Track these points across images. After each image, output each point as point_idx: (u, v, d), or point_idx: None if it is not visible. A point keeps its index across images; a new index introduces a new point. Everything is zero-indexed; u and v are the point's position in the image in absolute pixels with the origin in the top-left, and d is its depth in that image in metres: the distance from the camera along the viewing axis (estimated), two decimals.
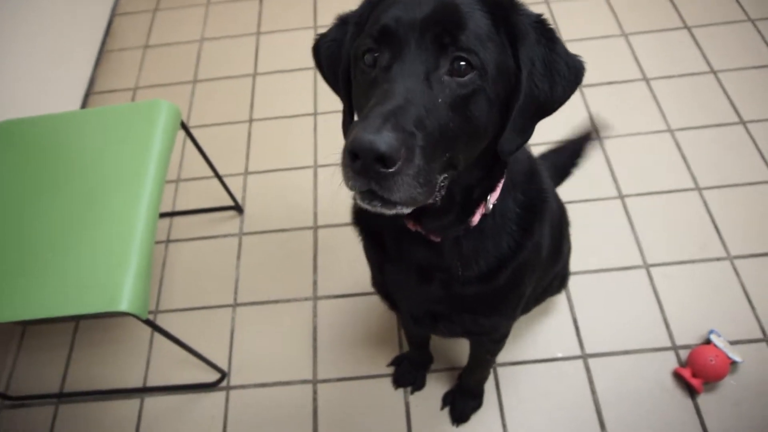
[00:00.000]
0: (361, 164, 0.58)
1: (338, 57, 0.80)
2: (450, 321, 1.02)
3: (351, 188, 0.62)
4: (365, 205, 0.64)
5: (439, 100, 0.65)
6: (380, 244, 0.95)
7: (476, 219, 0.83)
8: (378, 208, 0.63)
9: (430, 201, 0.68)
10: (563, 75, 0.73)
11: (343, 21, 0.81)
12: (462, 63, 0.66)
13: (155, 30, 2.39)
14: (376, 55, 0.69)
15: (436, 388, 1.46)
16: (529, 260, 0.94)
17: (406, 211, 0.66)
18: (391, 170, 0.58)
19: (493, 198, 0.83)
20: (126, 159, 1.26)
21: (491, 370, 1.45)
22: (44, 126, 1.36)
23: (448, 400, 1.44)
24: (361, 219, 0.98)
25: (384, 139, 0.57)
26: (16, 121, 1.38)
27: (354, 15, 0.79)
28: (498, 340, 1.17)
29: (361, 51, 0.71)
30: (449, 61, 0.67)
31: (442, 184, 0.69)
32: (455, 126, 0.66)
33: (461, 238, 0.86)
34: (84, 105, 2.13)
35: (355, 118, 0.79)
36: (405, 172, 0.60)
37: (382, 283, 1.06)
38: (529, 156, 0.95)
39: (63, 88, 2.04)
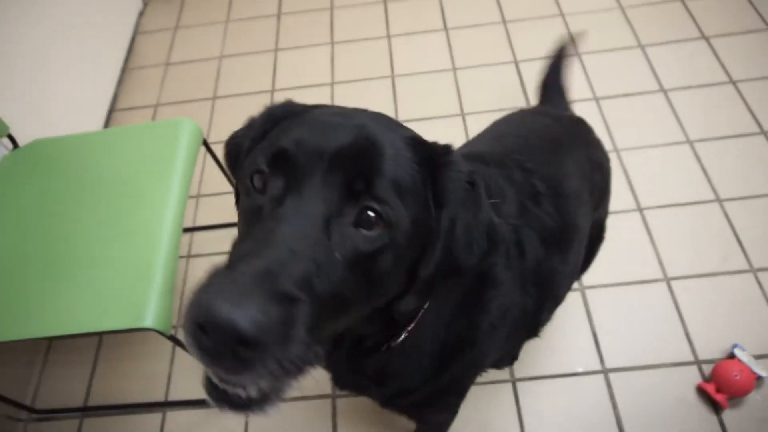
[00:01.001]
0: (208, 342, 0.43)
1: (238, 159, 0.69)
2: (395, 407, 0.95)
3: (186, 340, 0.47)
4: (209, 398, 0.52)
5: (336, 255, 0.53)
6: None
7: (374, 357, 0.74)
8: (225, 408, 0.51)
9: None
10: (480, 245, 0.64)
11: (250, 124, 0.72)
12: (372, 214, 0.55)
13: (176, 48, 2.44)
14: (265, 179, 0.57)
15: None
16: (470, 368, 0.88)
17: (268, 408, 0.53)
18: (252, 355, 0.43)
19: (397, 338, 0.73)
20: (150, 176, 1.29)
21: (510, 385, 1.45)
22: (72, 145, 1.40)
23: None
24: None
25: (248, 316, 0.42)
26: (45, 141, 1.42)
27: (258, 120, 0.69)
28: (441, 424, 1.12)
29: (251, 170, 0.58)
30: (357, 210, 0.55)
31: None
32: (351, 287, 0.54)
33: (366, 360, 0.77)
34: (107, 122, 2.18)
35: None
36: (275, 355, 0.45)
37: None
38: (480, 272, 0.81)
39: (87, 106, 2.09)
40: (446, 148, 0.65)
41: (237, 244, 0.57)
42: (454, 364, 0.82)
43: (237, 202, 0.72)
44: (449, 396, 0.95)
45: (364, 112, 0.66)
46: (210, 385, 0.54)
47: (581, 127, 1.21)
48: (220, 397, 0.52)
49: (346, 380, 0.92)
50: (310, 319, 0.48)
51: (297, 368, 0.48)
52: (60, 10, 1.97)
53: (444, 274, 0.64)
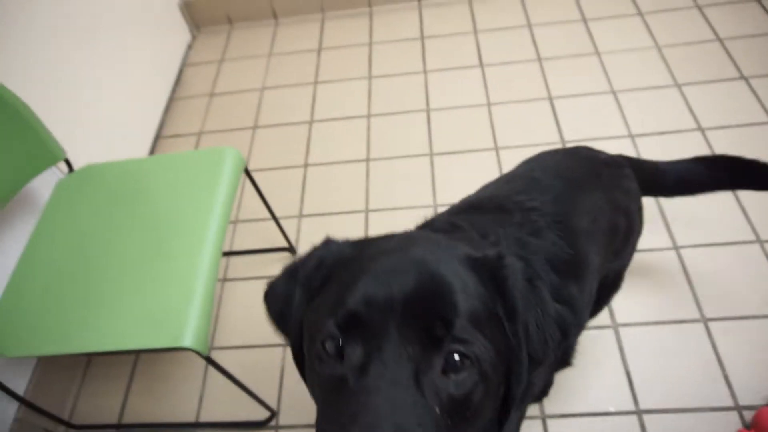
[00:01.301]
0: None
1: (288, 315, 0.67)
2: None
3: None
4: None
5: (436, 410, 0.52)
6: None
7: None
8: None
9: None
10: (554, 337, 0.64)
11: (291, 273, 0.70)
12: (458, 357, 0.54)
13: (221, 79, 2.55)
14: (340, 344, 0.55)
15: None
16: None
17: None
18: None
19: None
20: (193, 202, 1.35)
21: (540, 422, 1.42)
22: (121, 170, 1.48)
23: None
24: None
25: None
26: (97, 166, 1.50)
27: (302, 271, 0.67)
28: None
29: (321, 338, 0.56)
30: (443, 356, 0.53)
31: None
32: (459, 423, 0.54)
33: None
34: (153, 148, 2.29)
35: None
36: None
37: None
38: None
39: (136, 133, 2.20)
40: (500, 257, 0.63)
41: (329, 420, 0.56)
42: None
43: (295, 357, 0.69)
44: None
45: (416, 240, 0.65)
46: None
47: (612, 170, 1.16)
48: None
49: None
50: None
51: None
52: (115, 42, 2.10)
53: (529, 375, 0.63)
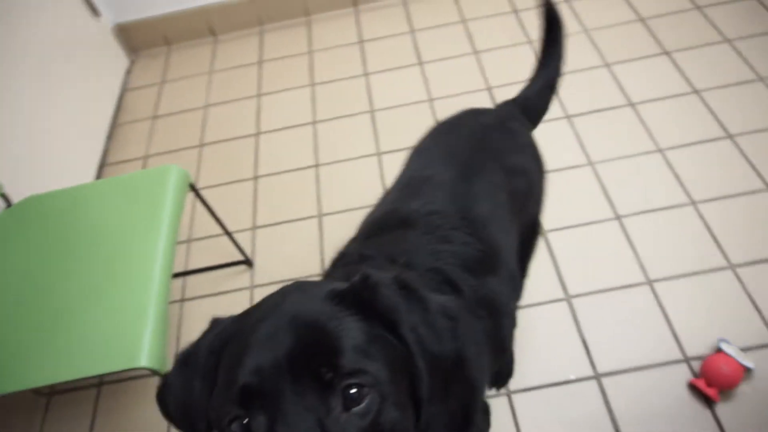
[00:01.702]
0: None
1: (192, 408, 0.66)
2: None
3: None
4: None
5: None
6: None
7: None
8: None
9: None
10: (445, 328, 0.66)
11: (184, 363, 0.69)
12: (354, 390, 0.56)
13: (163, 101, 2.54)
14: (246, 421, 0.56)
15: None
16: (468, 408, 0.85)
17: None
18: None
19: None
20: (139, 223, 1.35)
21: (506, 398, 1.47)
22: (63, 199, 1.46)
23: None
24: None
25: None
26: (38, 197, 1.48)
27: (196, 360, 0.67)
28: None
29: (226, 421, 0.57)
30: (340, 395, 0.56)
31: None
32: None
33: None
34: (98, 176, 2.25)
35: None
36: None
37: None
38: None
39: (79, 162, 2.17)
40: (364, 279, 0.66)
41: None
42: (470, 425, 0.83)
43: None
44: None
45: (285, 297, 0.66)
46: None
47: (499, 132, 1.16)
48: None
49: None
50: None
51: None
52: (49, 73, 2.07)
53: (442, 374, 0.65)
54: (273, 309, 0.64)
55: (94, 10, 2.48)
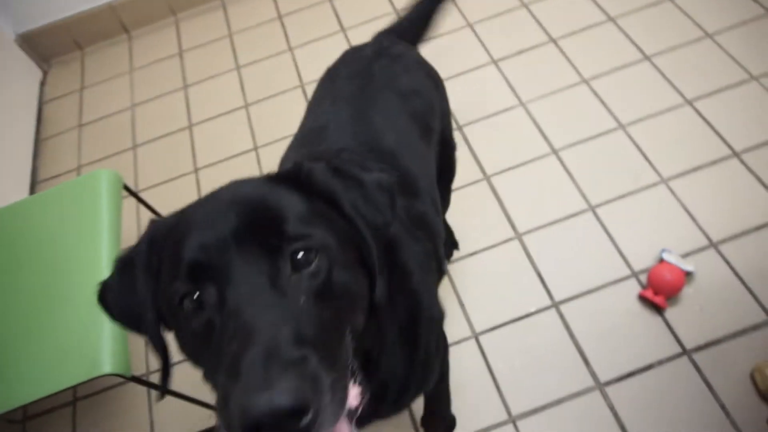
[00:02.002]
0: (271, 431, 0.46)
1: (136, 307, 0.66)
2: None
3: None
4: None
5: (302, 300, 0.56)
6: None
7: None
8: None
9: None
10: (383, 200, 0.70)
11: (124, 264, 0.69)
12: (302, 253, 0.58)
13: (86, 108, 2.43)
14: (197, 296, 0.57)
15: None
16: (428, 357, 0.90)
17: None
18: (311, 415, 0.47)
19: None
20: (79, 232, 1.31)
21: (474, 341, 1.53)
22: None
23: (427, 426, 1.39)
24: None
25: (284, 391, 0.46)
26: None
27: (136, 257, 0.67)
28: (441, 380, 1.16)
29: (177, 299, 0.58)
30: (288, 259, 0.57)
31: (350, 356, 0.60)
32: (333, 310, 0.58)
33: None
34: (32, 195, 2.16)
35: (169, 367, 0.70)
36: (323, 401, 0.49)
37: None
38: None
39: (8, 185, 2.07)
40: (297, 166, 0.68)
41: (214, 361, 0.55)
42: (418, 330, 0.85)
43: (153, 339, 0.67)
44: (435, 359, 0.95)
45: (223, 186, 0.68)
46: None
47: (382, 60, 1.15)
48: None
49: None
50: (326, 354, 0.52)
51: (342, 397, 0.52)
52: None
53: (381, 245, 0.67)
54: (212, 197, 0.65)
55: None
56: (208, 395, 1.54)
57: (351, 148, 0.97)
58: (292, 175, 0.67)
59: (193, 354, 0.62)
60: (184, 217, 0.65)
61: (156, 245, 0.66)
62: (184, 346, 0.64)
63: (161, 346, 0.68)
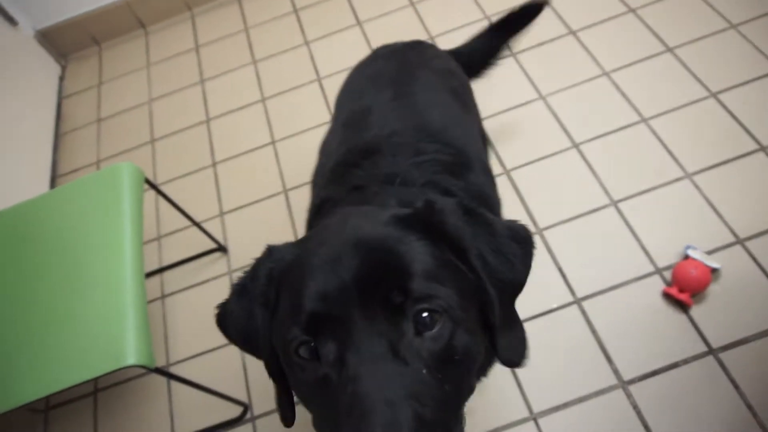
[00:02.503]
0: None
1: (254, 335, 0.66)
2: None
3: None
4: None
5: (423, 372, 0.53)
6: None
7: None
8: None
9: None
10: (516, 253, 0.65)
11: (241, 291, 0.69)
12: (426, 314, 0.55)
13: (104, 102, 2.45)
14: (313, 345, 0.56)
15: None
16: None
17: None
18: None
19: None
20: (101, 225, 1.31)
21: None
22: (17, 214, 1.41)
23: None
24: None
25: None
26: None
27: (254, 288, 0.66)
28: None
29: (293, 347, 0.57)
30: (411, 320, 0.54)
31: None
32: (453, 380, 0.56)
33: None
34: (52, 189, 2.18)
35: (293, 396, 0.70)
36: None
37: None
38: None
39: (28, 179, 2.09)
40: (429, 204, 0.64)
41: (326, 420, 0.56)
42: None
43: (269, 369, 0.68)
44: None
45: (346, 220, 0.64)
46: None
47: (415, 49, 1.18)
48: None
49: None
50: (443, 426, 0.51)
51: None
52: None
53: (510, 301, 0.65)
54: (334, 233, 0.62)
55: (10, 19, 2.35)
56: (227, 387, 1.55)
57: (400, 132, 0.94)
58: (422, 216, 0.62)
59: (303, 399, 0.62)
60: (304, 254, 0.62)
61: (274, 280, 0.64)
62: (296, 388, 0.63)
63: (279, 377, 0.67)
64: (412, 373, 0.52)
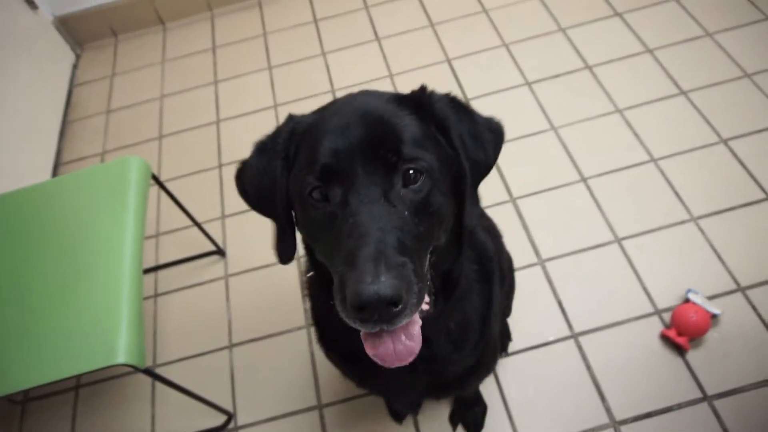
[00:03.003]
0: (370, 314, 0.60)
1: (269, 188, 0.78)
2: (442, 396, 1.05)
3: (355, 326, 0.64)
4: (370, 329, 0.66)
5: (405, 214, 0.68)
6: (354, 358, 0.95)
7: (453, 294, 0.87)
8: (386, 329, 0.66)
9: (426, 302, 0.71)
10: (489, 140, 0.79)
11: (262, 149, 0.81)
12: (412, 172, 0.69)
13: (115, 94, 2.44)
14: (323, 191, 0.70)
15: (435, 407, 1.48)
16: (496, 308, 0.98)
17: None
18: (399, 307, 0.61)
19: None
20: (104, 218, 1.30)
21: None
22: (21, 200, 1.39)
23: (457, 419, 1.43)
24: (329, 344, 1.01)
25: (387, 286, 0.59)
26: None
27: (275, 146, 0.78)
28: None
29: (308, 190, 0.71)
30: (400, 175, 0.69)
31: (428, 268, 0.73)
32: (426, 226, 0.70)
33: (446, 320, 0.90)
34: (54, 176, 2.16)
35: (295, 238, 0.81)
36: (410, 300, 0.62)
37: (367, 384, 1.06)
38: None
39: (31, 164, 2.07)
40: (422, 89, 0.78)
41: (331, 246, 0.69)
42: (492, 276, 0.97)
43: (279, 217, 0.80)
44: (489, 351, 1.02)
45: (356, 97, 0.78)
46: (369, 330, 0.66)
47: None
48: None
49: (412, 400, 1.05)
50: (416, 264, 0.65)
51: (420, 295, 0.65)
52: None
53: (479, 179, 0.79)
54: (345, 106, 0.75)
55: (31, 3, 2.36)
56: (213, 394, 1.51)
57: None
58: (415, 97, 0.77)
59: (311, 234, 0.76)
60: (321, 120, 0.75)
61: (295, 137, 0.77)
62: (304, 226, 0.77)
63: (289, 222, 0.80)
64: (397, 213, 0.67)
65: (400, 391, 1.02)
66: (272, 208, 0.80)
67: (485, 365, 1.05)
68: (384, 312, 0.60)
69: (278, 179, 0.77)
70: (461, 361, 0.95)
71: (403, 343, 0.70)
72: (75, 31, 2.61)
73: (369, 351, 0.70)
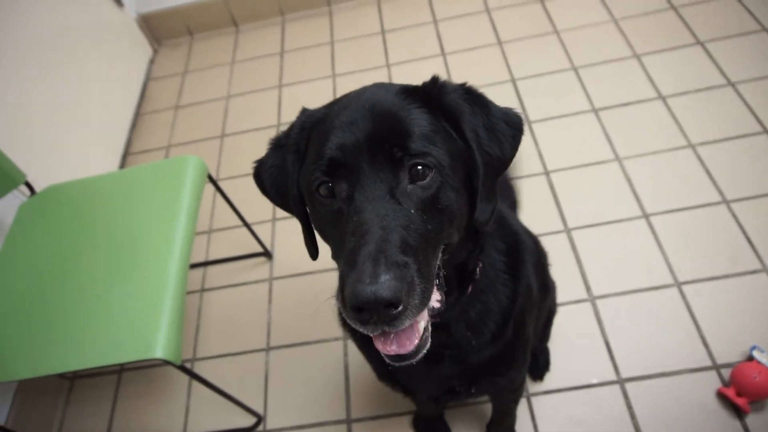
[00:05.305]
0: (369, 315, 0.58)
1: (284, 183, 0.79)
2: (468, 391, 1.00)
3: (356, 327, 0.62)
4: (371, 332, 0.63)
5: (412, 211, 0.65)
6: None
7: (470, 287, 0.84)
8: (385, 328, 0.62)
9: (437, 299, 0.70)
10: (506, 133, 0.75)
11: (277, 145, 0.81)
12: (419, 167, 0.67)
13: (185, 91, 2.54)
14: (330, 185, 0.69)
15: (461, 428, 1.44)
16: (525, 303, 0.94)
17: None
18: (399, 309, 0.58)
19: (480, 261, 0.85)
20: (158, 213, 1.34)
21: (525, 400, 1.43)
22: (84, 188, 1.46)
23: None
24: (354, 330, 0.96)
25: (385, 287, 0.57)
26: (58, 186, 1.49)
27: (288, 140, 0.78)
28: (516, 389, 1.17)
29: (315, 185, 0.70)
30: (407, 171, 0.67)
31: (439, 265, 0.70)
32: (435, 224, 0.67)
33: (466, 308, 0.87)
34: (122, 165, 2.27)
35: (314, 233, 0.81)
36: (412, 302, 0.60)
37: (388, 375, 1.02)
38: None
39: (102, 151, 2.18)
40: (433, 80, 0.75)
41: (337, 242, 0.69)
42: (521, 269, 0.93)
43: (296, 212, 0.80)
44: (519, 347, 0.98)
45: (364, 91, 0.76)
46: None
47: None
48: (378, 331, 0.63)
49: (437, 392, 1.00)
50: (422, 263, 0.63)
51: (425, 297, 0.62)
52: (74, 64, 2.09)
53: (494, 175, 0.75)
54: (355, 99, 0.74)
55: (118, 1, 2.49)
56: (246, 395, 1.53)
57: None
58: (426, 90, 0.74)
59: (322, 231, 0.76)
60: (329, 115, 0.73)
61: (306, 131, 0.76)
62: (315, 223, 0.77)
63: (304, 216, 0.80)
64: (403, 210, 0.65)
65: (424, 378, 0.97)
66: (290, 204, 0.80)
67: (511, 359, 0.98)
68: (383, 313, 0.58)
69: (290, 173, 0.77)
70: (481, 349, 0.90)
71: (405, 346, 0.67)
72: (155, 28, 2.74)
73: (378, 348, 0.68)
